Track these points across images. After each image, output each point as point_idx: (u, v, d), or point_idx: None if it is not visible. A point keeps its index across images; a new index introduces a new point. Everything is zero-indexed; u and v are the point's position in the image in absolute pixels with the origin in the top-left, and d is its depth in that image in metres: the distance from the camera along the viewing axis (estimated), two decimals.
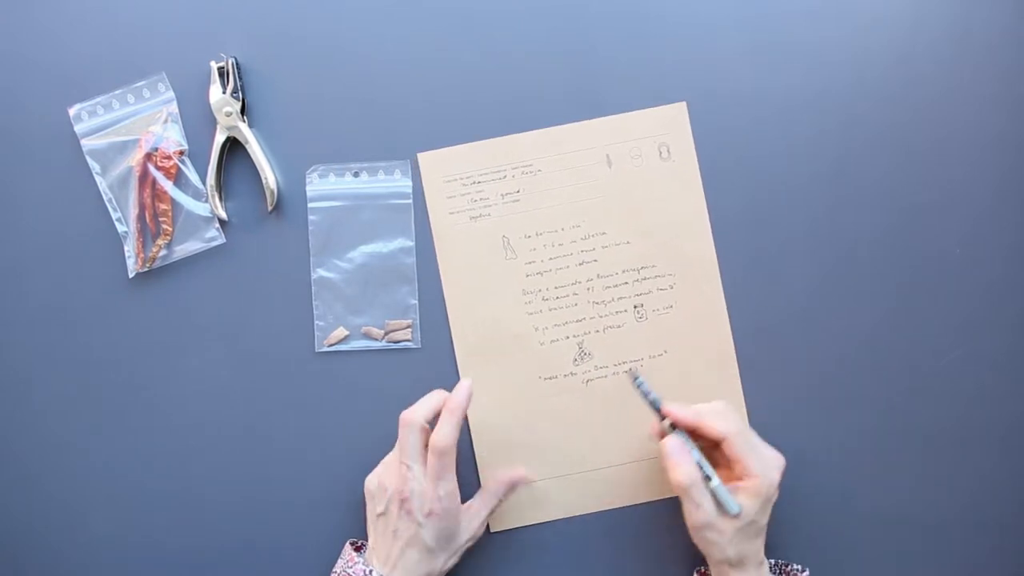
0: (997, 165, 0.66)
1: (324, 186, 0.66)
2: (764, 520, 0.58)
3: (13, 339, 0.66)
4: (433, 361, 0.66)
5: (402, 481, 0.58)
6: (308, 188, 0.66)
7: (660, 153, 0.65)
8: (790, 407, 0.66)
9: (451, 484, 0.58)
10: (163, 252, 0.66)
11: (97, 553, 0.66)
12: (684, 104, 0.65)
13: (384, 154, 0.66)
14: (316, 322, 0.66)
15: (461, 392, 0.59)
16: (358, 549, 0.63)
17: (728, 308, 0.65)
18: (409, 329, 0.66)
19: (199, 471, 0.66)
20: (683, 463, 0.57)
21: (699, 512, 0.56)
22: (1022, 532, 0.66)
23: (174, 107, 0.66)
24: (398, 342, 0.66)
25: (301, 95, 0.66)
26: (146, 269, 0.66)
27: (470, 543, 0.61)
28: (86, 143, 0.65)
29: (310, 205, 0.66)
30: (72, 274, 0.66)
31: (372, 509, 0.60)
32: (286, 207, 0.66)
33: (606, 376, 0.65)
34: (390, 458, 0.61)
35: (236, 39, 0.66)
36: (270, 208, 0.65)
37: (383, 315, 0.66)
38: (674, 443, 0.58)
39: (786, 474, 0.59)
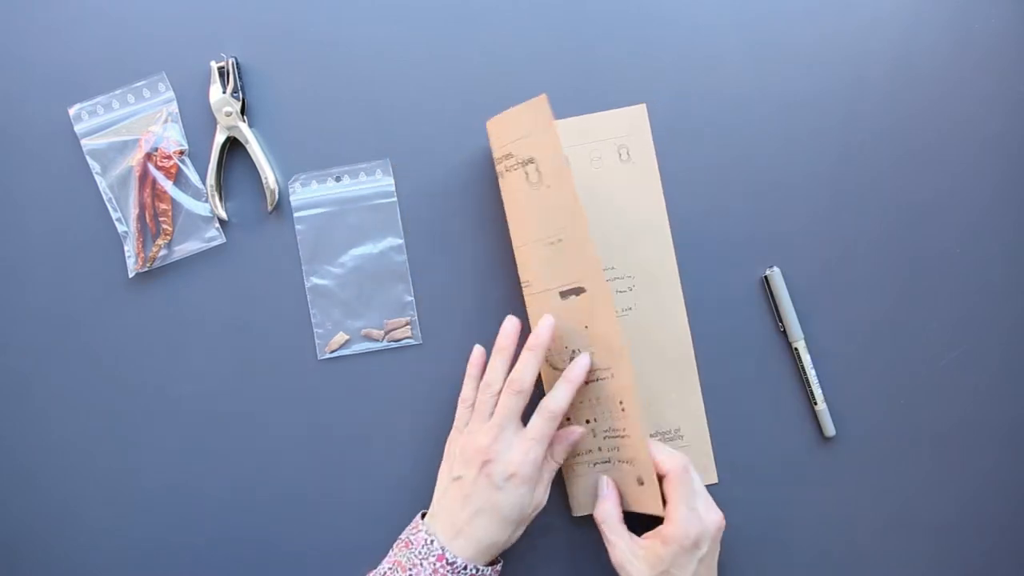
0: (997, 165, 0.66)
1: (307, 194, 0.66)
2: (683, 572, 0.57)
3: (13, 339, 0.66)
4: (436, 355, 0.66)
5: (491, 440, 0.57)
6: (292, 198, 0.66)
7: (620, 155, 0.65)
8: (790, 406, 0.66)
9: (541, 450, 0.57)
10: (163, 252, 0.66)
11: (97, 553, 0.66)
12: (644, 106, 0.65)
13: (384, 152, 0.66)
14: (315, 330, 0.66)
15: (544, 329, 0.59)
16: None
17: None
18: (408, 327, 0.66)
19: (199, 471, 0.66)
20: (605, 500, 0.60)
21: (613, 550, 0.59)
22: (1022, 532, 0.66)
23: (174, 107, 0.66)
24: (399, 340, 0.66)
25: (301, 95, 0.66)
26: (146, 269, 0.66)
27: (535, 512, 0.59)
28: (86, 143, 0.65)
29: (295, 215, 0.66)
30: (72, 274, 0.66)
31: (447, 472, 0.59)
32: (286, 207, 0.66)
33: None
34: (475, 423, 0.60)
35: (236, 39, 0.66)
36: (270, 208, 0.65)
37: (381, 315, 0.66)
38: (605, 480, 0.60)
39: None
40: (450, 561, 0.55)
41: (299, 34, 0.66)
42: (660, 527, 0.58)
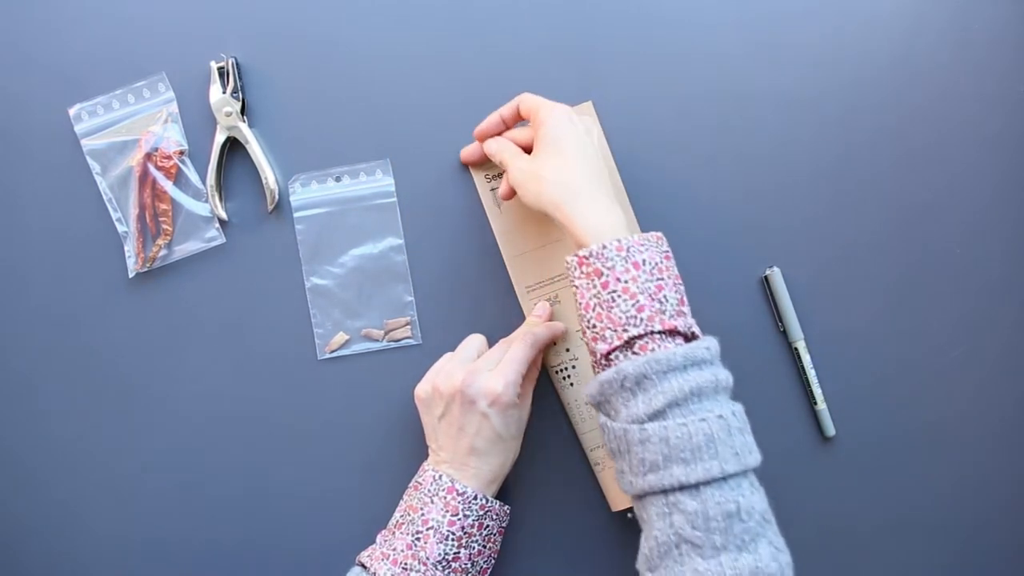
0: (997, 165, 0.66)
1: (307, 194, 0.66)
2: (557, 143, 0.56)
3: (14, 339, 0.66)
4: (436, 355, 0.65)
5: (464, 373, 0.57)
6: (292, 198, 0.66)
7: None
8: (790, 406, 0.66)
9: (518, 369, 0.58)
10: (163, 252, 0.66)
11: (97, 552, 0.66)
12: (590, 103, 0.65)
13: (384, 152, 0.66)
14: (315, 330, 0.66)
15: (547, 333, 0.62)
16: None
17: None
18: (408, 326, 0.66)
19: (199, 471, 0.66)
20: (488, 143, 0.62)
21: (514, 159, 0.59)
22: (1022, 532, 0.66)
23: (174, 107, 0.66)
24: (399, 340, 0.66)
25: (301, 95, 0.66)
26: (146, 269, 0.66)
27: (522, 427, 0.60)
28: (86, 143, 0.65)
29: (296, 215, 0.66)
30: (72, 274, 0.66)
31: (431, 415, 0.59)
32: (286, 207, 0.66)
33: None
34: (440, 364, 0.61)
35: (236, 39, 0.66)
36: (270, 208, 0.65)
37: (381, 315, 0.66)
38: (490, 144, 0.62)
39: None
40: (460, 492, 0.56)
41: (299, 34, 0.66)
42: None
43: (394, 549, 0.56)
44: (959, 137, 0.66)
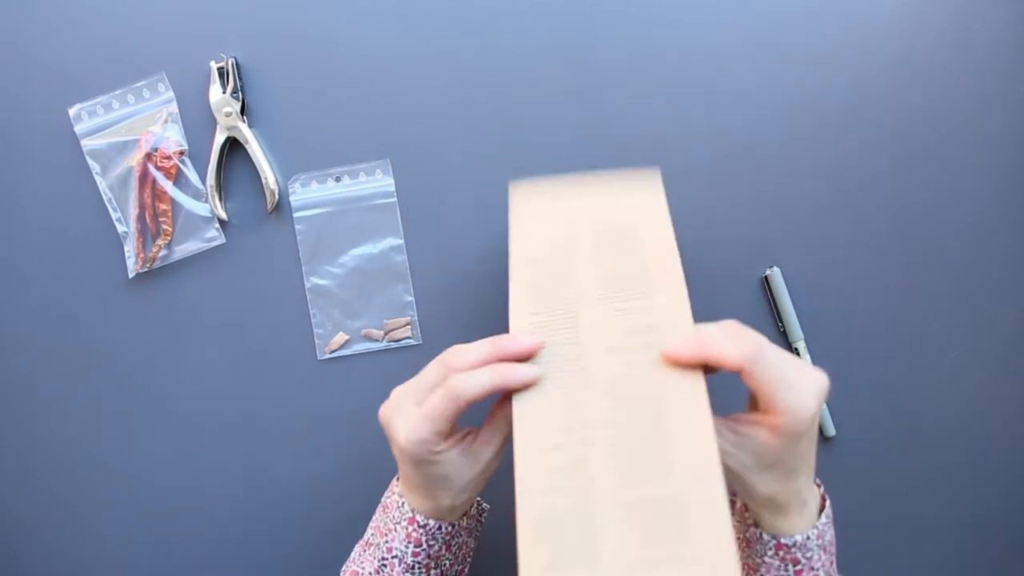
0: (997, 165, 0.66)
1: (307, 194, 0.66)
2: (796, 462, 0.48)
3: (14, 339, 0.66)
4: (436, 355, 0.66)
5: (386, 405, 0.51)
6: (292, 198, 0.66)
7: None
8: None
9: (428, 431, 0.48)
10: (163, 252, 0.66)
11: (98, 552, 0.67)
12: (658, 173, 0.56)
13: (384, 152, 0.66)
14: (315, 330, 0.66)
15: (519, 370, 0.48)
16: None
17: None
18: (408, 327, 0.66)
19: (199, 471, 0.66)
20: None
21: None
22: (1023, 532, 0.66)
23: (174, 107, 0.66)
24: (399, 340, 0.66)
25: (301, 95, 0.66)
26: (146, 269, 0.66)
27: (480, 475, 0.51)
28: (86, 143, 0.65)
29: (296, 215, 0.66)
30: (72, 274, 0.66)
31: None
32: (286, 207, 0.66)
33: None
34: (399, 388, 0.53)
35: (236, 39, 0.66)
36: (270, 208, 0.65)
37: (381, 315, 0.66)
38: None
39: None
40: (422, 524, 0.52)
41: (299, 34, 0.66)
42: (763, 416, 0.47)
43: (363, 569, 0.54)
44: (959, 137, 0.66)
